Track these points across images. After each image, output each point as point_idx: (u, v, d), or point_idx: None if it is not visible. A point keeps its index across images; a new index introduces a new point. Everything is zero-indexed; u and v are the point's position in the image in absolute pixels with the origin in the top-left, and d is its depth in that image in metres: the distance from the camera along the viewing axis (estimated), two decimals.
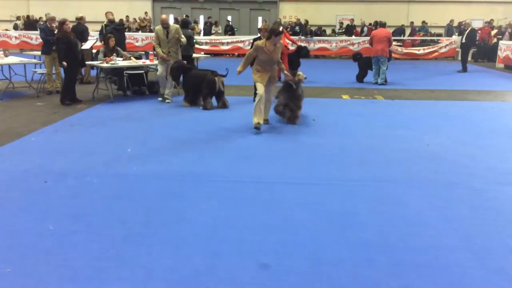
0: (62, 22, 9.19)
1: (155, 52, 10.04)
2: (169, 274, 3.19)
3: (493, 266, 3.36)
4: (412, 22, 23.15)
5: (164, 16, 9.84)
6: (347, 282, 3.13)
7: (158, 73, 9.74)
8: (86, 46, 11.61)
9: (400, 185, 5.00)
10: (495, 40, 20.22)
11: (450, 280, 3.17)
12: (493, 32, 21.13)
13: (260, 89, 7.13)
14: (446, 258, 3.47)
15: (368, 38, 15.93)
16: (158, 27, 9.60)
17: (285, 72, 7.53)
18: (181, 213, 4.22)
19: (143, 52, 13.88)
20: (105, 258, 3.40)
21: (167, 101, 9.77)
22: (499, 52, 18.63)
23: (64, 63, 9.16)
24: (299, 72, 7.88)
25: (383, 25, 13.45)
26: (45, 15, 12.56)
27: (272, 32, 6.99)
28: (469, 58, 17.99)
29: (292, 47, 13.69)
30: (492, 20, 23.02)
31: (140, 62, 10.61)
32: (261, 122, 7.24)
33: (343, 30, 23.32)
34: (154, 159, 5.83)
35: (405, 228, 3.98)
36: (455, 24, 23.06)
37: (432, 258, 3.48)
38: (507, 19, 22.75)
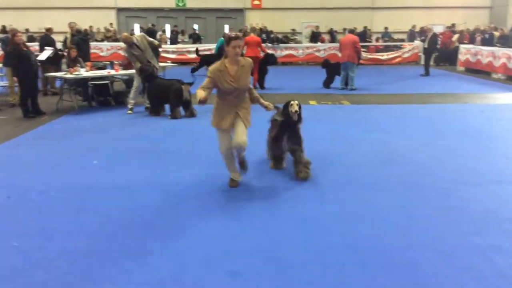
0: (13, 34, 8.93)
1: (120, 62, 9.91)
2: (137, 287, 3.14)
3: (459, 265, 3.44)
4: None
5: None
6: (316, 285, 3.14)
7: (135, 82, 9.53)
8: (41, 57, 11.33)
9: (368, 188, 5.07)
10: (456, 44, 20.77)
11: (418, 279, 3.23)
12: (455, 36, 21.70)
13: (224, 142, 4.87)
14: (414, 258, 3.53)
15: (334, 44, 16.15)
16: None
17: (264, 103, 5.02)
18: (149, 225, 4.16)
19: (108, 62, 13.70)
20: (73, 273, 3.32)
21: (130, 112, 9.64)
22: (459, 56, 19.18)
23: (14, 77, 8.94)
24: (293, 102, 5.34)
25: (351, 31, 13.64)
26: (4, 26, 12.26)
27: (225, 41, 4.78)
28: (431, 62, 18.44)
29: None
30: (453, 24, 23.65)
31: (105, 72, 10.46)
32: (238, 178, 5.11)
33: (295, 38, 23.85)
34: (120, 171, 5.74)
35: (373, 230, 4.03)
36: (417, 29, 23.62)
37: (400, 258, 3.53)
38: (467, 23, 23.43)
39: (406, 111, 9.72)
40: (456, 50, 19.83)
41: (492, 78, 16.19)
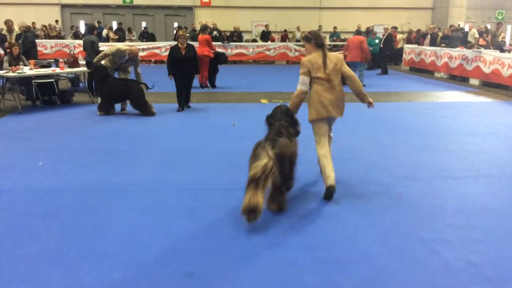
0: None
1: (66, 60, 9.61)
2: None
3: (408, 258, 3.55)
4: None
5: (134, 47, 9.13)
6: (269, 283, 3.16)
7: None
8: None
9: (311, 183, 5.13)
10: (400, 44, 21.42)
11: (370, 274, 3.31)
12: (400, 36, 22.32)
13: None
14: (366, 253, 3.61)
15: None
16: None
17: None
18: (100, 226, 4.05)
19: (53, 60, 13.21)
20: (17, 279, 3.18)
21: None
22: (404, 55, 19.84)
23: None
24: None
25: (358, 33, 14.24)
26: None
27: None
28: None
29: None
30: (401, 26, 24.36)
31: (49, 70, 10.10)
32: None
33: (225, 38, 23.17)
34: (67, 172, 5.55)
35: (327, 226, 4.09)
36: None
37: (352, 253, 3.60)
38: (410, 23, 24.24)
39: (354, 109, 9.90)
40: (400, 50, 20.49)
41: (435, 77, 16.85)
